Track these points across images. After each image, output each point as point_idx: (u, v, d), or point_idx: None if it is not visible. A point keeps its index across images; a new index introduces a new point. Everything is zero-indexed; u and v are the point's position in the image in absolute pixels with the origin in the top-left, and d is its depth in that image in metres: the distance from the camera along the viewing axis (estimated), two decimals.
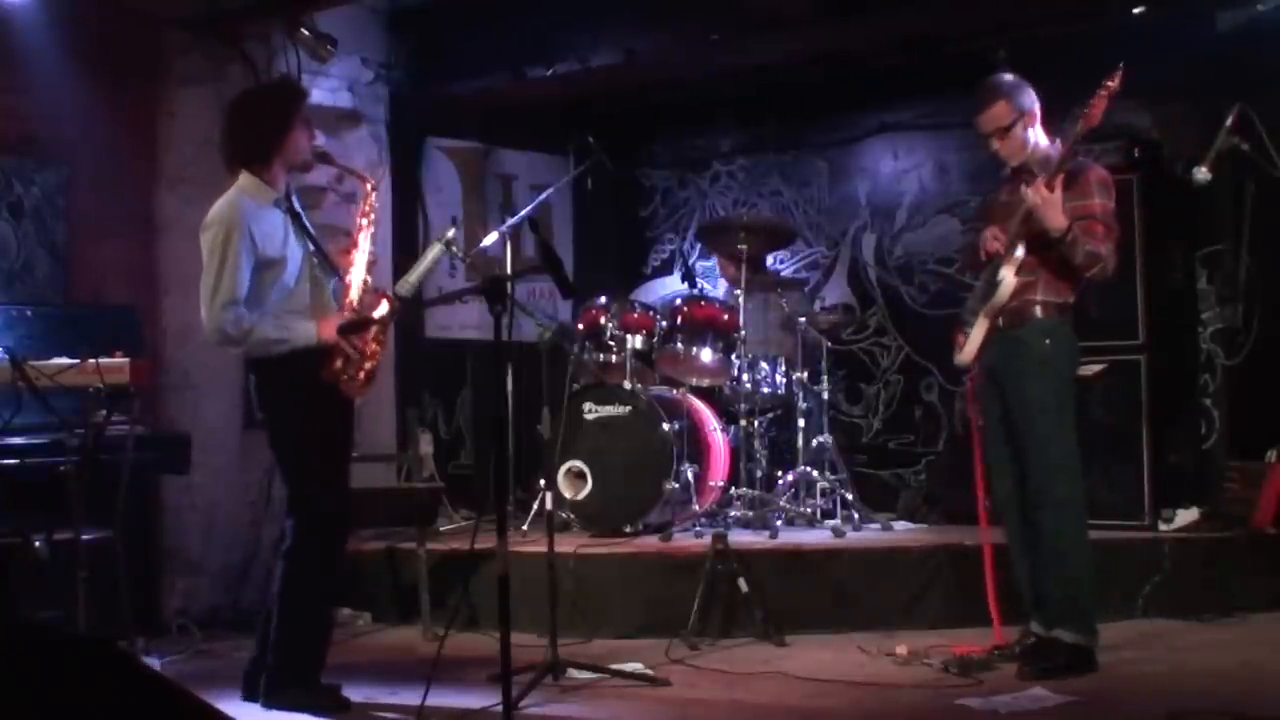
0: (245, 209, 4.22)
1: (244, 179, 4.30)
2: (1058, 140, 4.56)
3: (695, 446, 6.24)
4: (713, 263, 7.66)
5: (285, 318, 4.24)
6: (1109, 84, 4.23)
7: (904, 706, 4.25)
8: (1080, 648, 4.49)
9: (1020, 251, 4.47)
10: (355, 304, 4.39)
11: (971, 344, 4.61)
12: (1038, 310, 4.52)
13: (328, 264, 4.43)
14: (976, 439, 4.83)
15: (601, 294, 6.58)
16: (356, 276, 4.42)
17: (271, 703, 4.27)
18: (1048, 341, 4.52)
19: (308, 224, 4.42)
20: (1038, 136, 4.59)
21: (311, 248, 4.38)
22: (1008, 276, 4.47)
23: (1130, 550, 5.50)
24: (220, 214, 4.24)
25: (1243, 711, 3.85)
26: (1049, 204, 4.35)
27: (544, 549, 4.84)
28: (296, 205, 4.41)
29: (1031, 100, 4.56)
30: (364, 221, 4.49)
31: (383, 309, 4.41)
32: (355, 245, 4.46)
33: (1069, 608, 4.51)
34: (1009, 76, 4.63)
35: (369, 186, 4.56)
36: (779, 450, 6.60)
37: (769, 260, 7.29)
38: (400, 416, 6.96)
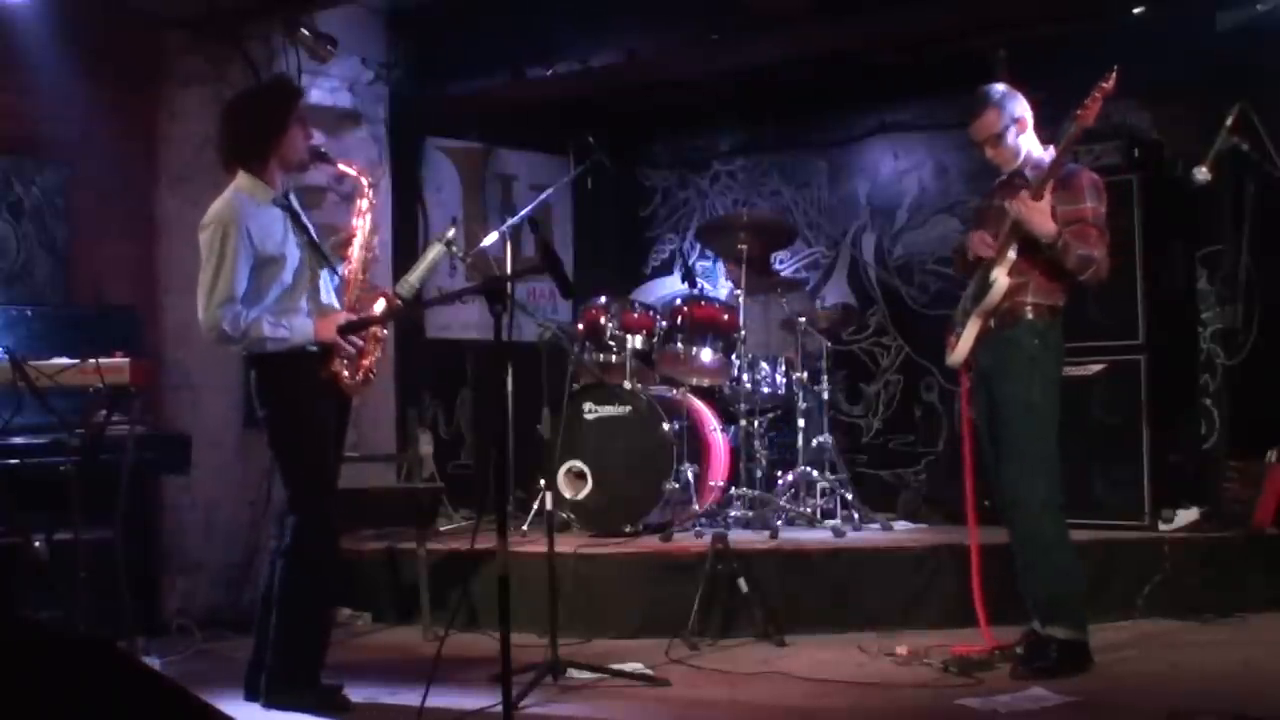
0: (243, 207, 4.22)
1: (241, 178, 4.31)
2: (1051, 146, 4.57)
3: (695, 446, 6.23)
4: (713, 263, 7.66)
5: (284, 316, 4.23)
6: (1104, 85, 4.25)
7: (904, 706, 4.25)
8: (1073, 643, 4.50)
9: (1013, 253, 4.49)
10: (354, 303, 4.40)
11: (963, 345, 4.62)
12: (1029, 311, 4.54)
13: (326, 263, 4.43)
14: (967, 439, 4.84)
15: (601, 294, 6.57)
16: (355, 275, 4.43)
17: (272, 703, 4.27)
18: (1037, 342, 4.53)
19: (307, 223, 4.42)
20: (1030, 144, 4.61)
21: (310, 246, 4.38)
22: (1000, 278, 4.49)
23: (1130, 550, 5.50)
24: (218, 213, 4.24)
25: (1243, 711, 3.84)
26: (1035, 212, 4.38)
27: (544, 549, 4.84)
28: (295, 204, 4.41)
29: (1022, 108, 4.59)
30: (363, 220, 4.49)
31: (380, 306, 4.42)
32: (354, 243, 4.47)
33: (1058, 604, 4.53)
34: (1000, 86, 4.65)
35: (367, 184, 4.56)
36: (779, 450, 6.60)
37: (774, 260, 7.27)
38: (400, 416, 6.95)
